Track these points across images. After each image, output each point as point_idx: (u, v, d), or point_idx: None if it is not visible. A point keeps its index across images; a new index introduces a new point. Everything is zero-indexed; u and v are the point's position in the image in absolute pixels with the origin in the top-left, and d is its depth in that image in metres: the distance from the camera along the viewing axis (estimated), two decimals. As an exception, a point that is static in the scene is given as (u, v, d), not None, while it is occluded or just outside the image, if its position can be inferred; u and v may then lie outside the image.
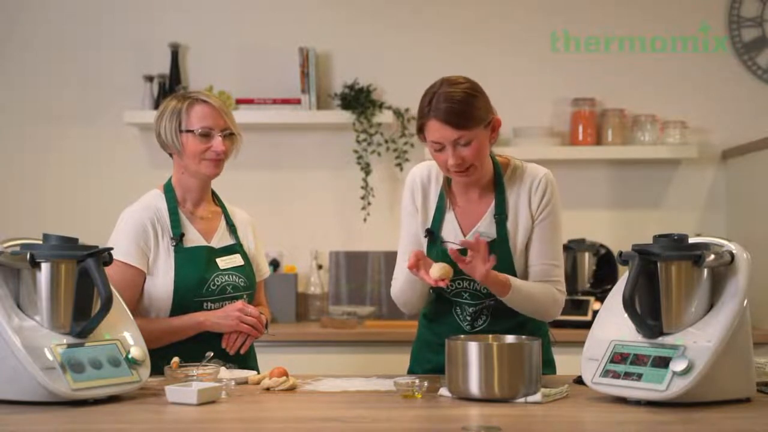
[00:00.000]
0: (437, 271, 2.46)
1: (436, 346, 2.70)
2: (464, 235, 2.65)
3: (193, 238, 2.80)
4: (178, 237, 2.76)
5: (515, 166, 2.69)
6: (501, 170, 2.68)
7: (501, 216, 2.64)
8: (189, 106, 2.77)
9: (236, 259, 2.84)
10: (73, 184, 4.78)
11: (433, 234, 2.68)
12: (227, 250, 2.84)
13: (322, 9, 4.82)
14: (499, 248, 2.62)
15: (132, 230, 2.75)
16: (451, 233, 2.67)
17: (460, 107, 2.48)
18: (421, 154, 4.71)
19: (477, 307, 2.67)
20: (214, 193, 2.95)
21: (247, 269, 2.86)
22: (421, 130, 2.57)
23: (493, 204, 2.65)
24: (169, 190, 2.84)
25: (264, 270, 3.00)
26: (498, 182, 2.66)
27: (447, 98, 2.49)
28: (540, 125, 4.70)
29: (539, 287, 2.63)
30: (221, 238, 2.86)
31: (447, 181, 2.70)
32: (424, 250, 2.68)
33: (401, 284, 2.70)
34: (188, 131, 2.76)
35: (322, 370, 2.83)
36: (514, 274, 2.63)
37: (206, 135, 2.76)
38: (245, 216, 2.99)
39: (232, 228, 2.90)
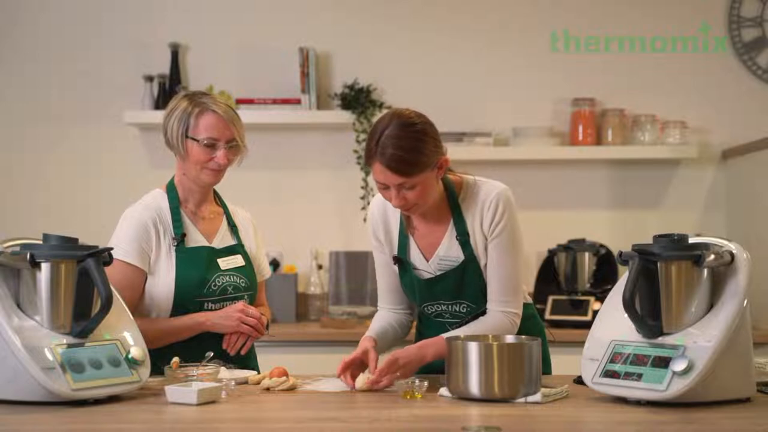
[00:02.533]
0: (361, 380, 2.47)
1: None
2: (427, 260, 2.65)
3: (195, 238, 2.80)
4: (180, 237, 2.76)
5: (468, 185, 2.64)
6: (455, 191, 2.63)
7: (463, 237, 2.61)
8: (199, 113, 2.73)
9: (237, 260, 2.84)
10: (73, 184, 4.79)
11: (401, 261, 2.68)
12: (228, 251, 2.84)
13: (322, 9, 4.83)
14: (471, 270, 2.62)
15: (133, 230, 2.74)
16: (417, 258, 2.67)
17: (407, 155, 2.43)
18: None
19: (460, 322, 2.67)
20: (216, 193, 2.95)
21: (248, 270, 2.86)
22: (368, 165, 2.53)
23: (450, 226, 2.63)
24: (171, 189, 2.83)
25: (265, 270, 3.00)
26: (453, 204, 2.62)
27: (394, 143, 2.43)
28: (540, 125, 4.70)
29: (483, 327, 2.59)
30: (223, 239, 2.86)
31: None
32: (398, 277, 2.71)
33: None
34: (194, 139, 2.74)
35: (322, 370, 2.83)
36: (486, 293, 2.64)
37: (211, 146, 2.73)
38: (247, 216, 2.99)
39: (233, 228, 2.90)
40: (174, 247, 2.75)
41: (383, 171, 2.46)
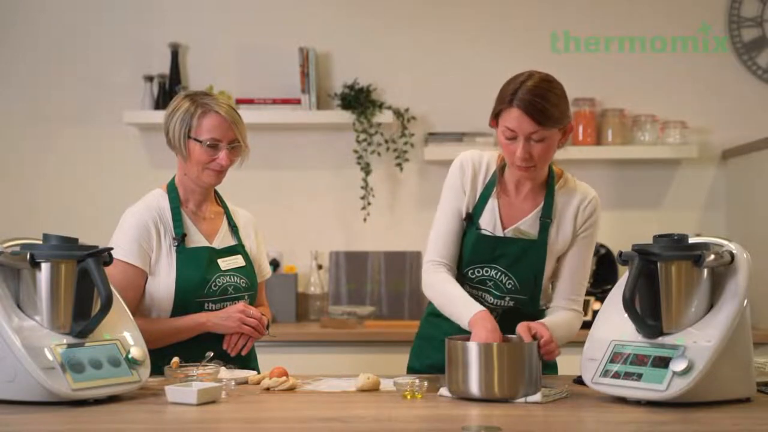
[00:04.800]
0: (361, 380, 2.46)
1: (438, 343, 2.69)
2: (503, 228, 2.67)
3: (196, 238, 2.80)
4: (180, 237, 2.76)
5: (567, 179, 2.73)
6: (555, 178, 2.71)
7: (546, 220, 2.66)
8: (202, 114, 2.74)
9: (238, 260, 2.84)
10: (73, 184, 4.78)
11: (471, 218, 2.69)
12: (229, 251, 2.84)
13: (322, 9, 4.83)
14: (537, 250, 2.65)
15: (134, 230, 2.74)
16: (490, 223, 2.68)
17: (545, 104, 2.50)
18: (421, 154, 4.71)
19: (496, 302, 2.66)
20: (216, 193, 2.95)
21: (248, 270, 2.86)
22: (497, 115, 2.57)
23: (541, 206, 2.67)
24: (172, 189, 2.83)
25: (266, 270, 3.01)
26: (550, 187, 2.69)
27: (534, 91, 2.50)
28: (540, 125, 4.69)
29: (566, 324, 2.64)
30: (223, 239, 2.86)
31: (501, 170, 2.71)
32: (463, 230, 2.70)
33: (441, 298, 2.66)
34: (196, 140, 2.75)
35: (322, 370, 2.83)
36: (542, 277, 2.66)
37: (213, 147, 2.74)
38: (248, 216, 3.00)
39: (234, 229, 2.90)
40: (174, 248, 2.75)
41: (519, 117, 2.50)
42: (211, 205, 2.89)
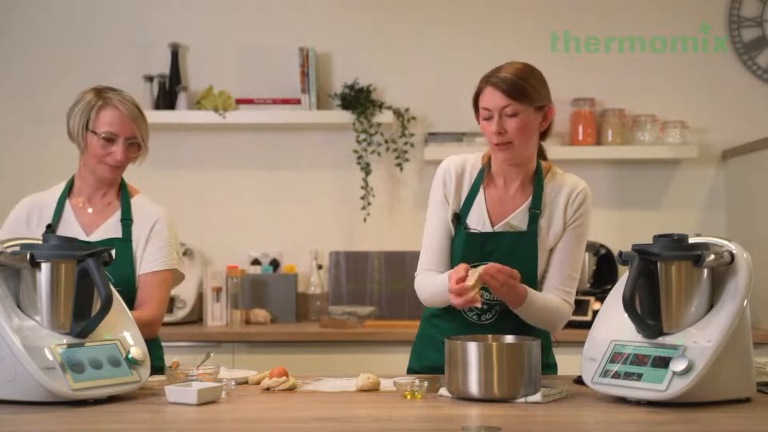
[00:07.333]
0: (361, 380, 2.46)
1: (438, 344, 2.69)
2: (492, 225, 2.67)
3: (71, 229, 2.80)
4: (47, 228, 2.80)
5: (556, 172, 2.75)
6: (543, 171, 2.73)
7: (535, 211, 2.67)
8: (101, 107, 2.79)
9: None
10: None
11: (459, 219, 2.70)
12: (102, 245, 2.64)
13: (322, 9, 4.83)
14: (527, 242, 2.65)
15: (13, 219, 2.86)
16: (479, 220, 2.69)
17: (516, 80, 2.59)
18: (421, 154, 4.71)
19: (493, 299, 2.66)
20: (123, 187, 2.91)
21: (114, 266, 2.58)
22: (476, 99, 2.65)
23: (530, 199, 2.68)
24: (69, 181, 2.89)
25: (153, 263, 2.82)
26: (538, 180, 2.70)
27: (507, 71, 2.62)
28: (540, 125, 4.70)
29: (553, 303, 2.65)
30: (105, 232, 2.83)
31: (489, 164, 2.73)
32: (452, 235, 2.71)
33: (429, 289, 2.70)
34: (93, 132, 2.78)
35: (322, 370, 2.83)
36: (535, 271, 2.66)
37: (110, 140, 2.78)
38: (156, 212, 2.88)
39: (125, 223, 2.86)
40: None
41: (491, 93, 2.60)
42: (106, 198, 2.89)
